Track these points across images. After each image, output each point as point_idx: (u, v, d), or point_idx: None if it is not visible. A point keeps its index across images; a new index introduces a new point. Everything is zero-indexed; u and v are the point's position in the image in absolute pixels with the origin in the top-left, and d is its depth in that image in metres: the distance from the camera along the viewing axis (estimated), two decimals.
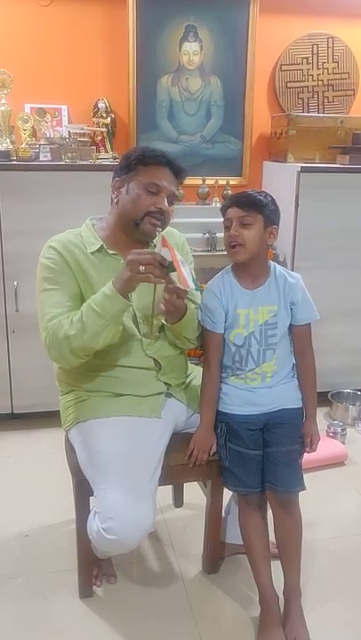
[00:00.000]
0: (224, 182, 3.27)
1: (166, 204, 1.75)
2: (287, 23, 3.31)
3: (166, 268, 1.57)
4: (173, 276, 1.63)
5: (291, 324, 1.84)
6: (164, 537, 2.20)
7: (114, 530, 1.55)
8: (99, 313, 1.63)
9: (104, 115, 3.14)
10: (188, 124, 3.33)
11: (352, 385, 3.28)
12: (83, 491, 1.78)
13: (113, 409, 1.79)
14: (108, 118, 3.14)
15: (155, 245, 1.83)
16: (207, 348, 1.85)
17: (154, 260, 1.56)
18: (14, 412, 2.97)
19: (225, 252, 3.09)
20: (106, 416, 1.78)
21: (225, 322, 1.82)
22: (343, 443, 2.89)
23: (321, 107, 3.41)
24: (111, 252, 1.80)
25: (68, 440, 1.89)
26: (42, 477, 2.54)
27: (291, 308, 1.82)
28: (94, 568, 1.95)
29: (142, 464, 1.68)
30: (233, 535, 2.01)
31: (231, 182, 3.31)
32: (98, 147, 3.11)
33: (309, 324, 1.85)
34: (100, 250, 1.79)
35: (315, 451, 1.87)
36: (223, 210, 1.80)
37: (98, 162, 2.89)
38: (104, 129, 3.09)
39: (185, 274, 1.60)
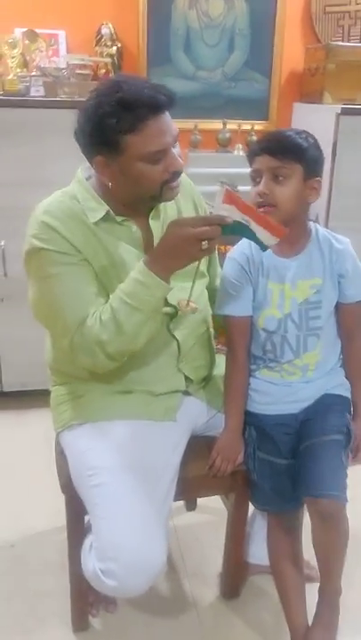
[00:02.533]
0: (248, 127, 2.81)
1: (175, 154, 1.32)
2: None
3: (224, 229, 1.21)
4: None
5: (337, 302, 1.44)
6: (175, 550, 1.86)
7: (115, 574, 1.20)
8: (134, 307, 1.27)
9: (109, 43, 2.68)
10: (208, 58, 2.85)
11: None
12: (76, 511, 1.43)
13: (117, 410, 1.42)
14: (114, 48, 2.68)
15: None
16: (231, 334, 1.47)
17: (218, 230, 1.20)
18: (4, 389, 2.63)
19: None
20: (108, 419, 1.41)
21: (253, 300, 1.42)
22: None
23: None
24: (119, 218, 1.38)
25: (58, 444, 1.52)
26: (31, 469, 2.18)
27: (339, 282, 1.42)
28: (90, 594, 1.60)
29: (153, 485, 1.32)
30: (258, 554, 1.67)
31: (256, 127, 2.85)
32: (101, 81, 2.65)
33: None
34: (106, 218, 1.37)
35: (359, 460, 1.50)
36: (250, 157, 1.38)
37: None
38: (108, 60, 2.62)
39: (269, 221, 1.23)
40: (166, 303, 1.37)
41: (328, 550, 1.40)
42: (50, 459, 1.55)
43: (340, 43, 2.79)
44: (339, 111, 2.47)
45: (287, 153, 1.32)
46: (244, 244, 1.44)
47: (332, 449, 1.39)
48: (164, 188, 1.32)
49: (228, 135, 2.76)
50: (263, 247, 1.27)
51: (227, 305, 1.44)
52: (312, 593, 1.45)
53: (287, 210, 1.33)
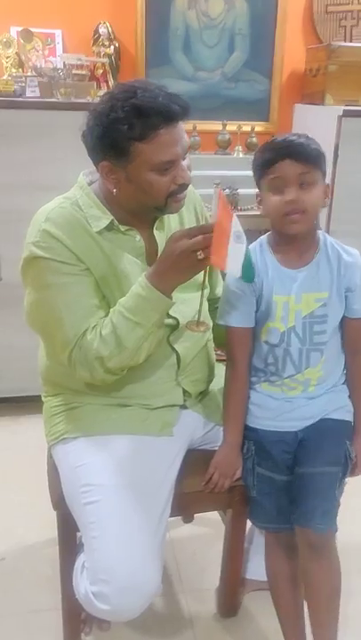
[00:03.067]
0: (248, 128, 2.75)
1: (185, 166, 1.28)
2: None
3: None
4: None
5: (343, 317, 1.39)
6: (171, 564, 1.81)
7: (108, 598, 1.16)
8: (136, 322, 1.23)
9: (106, 43, 2.63)
10: (207, 58, 2.80)
11: None
12: (68, 528, 1.37)
13: (113, 424, 1.37)
14: (111, 47, 2.63)
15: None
16: (232, 345, 1.41)
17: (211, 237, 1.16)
18: None
19: (250, 212, 2.63)
20: (103, 433, 1.36)
21: (256, 312, 1.37)
22: None
23: None
24: (123, 227, 1.34)
25: (51, 457, 1.47)
26: (25, 478, 2.13)
27: (346, 296, 1.36)
28: (83, 611, 1.55)
29: (149, 503, 1.27)
30: (256, 570, 1.62)
31: (257, 128, 2.79)
32: (98, 82, 2.61)
33: None
34: (110, 227, 1.32)
35: (357, 475, 1.44)
36: (268, 163, 1.27)
37: (97, 100, 2.38)
38: (106, 60, 2.57)
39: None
40: (167, 315, 1.33)
41: (317, 583, 1.35)
42: (44, 468, 1.50)
43: (342, 43, 2.74)
44: (341, 113, 2.42)
45: (311, 158, 1.25)
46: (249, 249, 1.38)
47: (326, 482, 1.34)
48: (168, 200, 1.28)
49: (227, 137, 2.71)
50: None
51: (228, 315, 1.39)
52: None
53: (314, 216, 1.29)
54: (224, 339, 1.46)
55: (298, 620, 1.43)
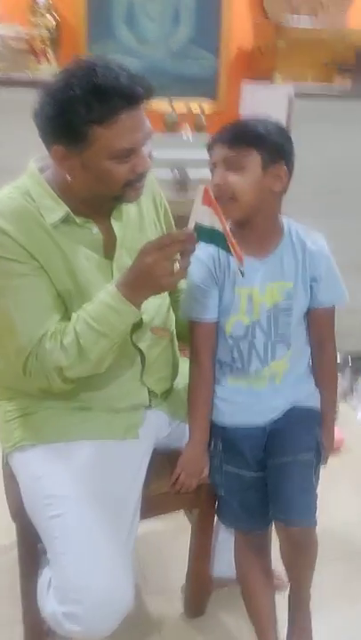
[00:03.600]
0: (197, 108, 2.66)
1: (145, 153, 1.18)
2: None
3: (200, 234, 1.10)
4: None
5: (308, 308, 1.35)
6: (134, 564, 1.74)
7: (80, 618, 1.09)
8: (102, 333, 1.14)
9: (44, 13, 2.45)
10: (152, 32, 2.68)
11: (341, 349, 2.85)
12: (28, 541, 1.29)
13: (74, 430, 1.28)
14: (50, 18, 2.46)
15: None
16: (195, 339, 1.35)
17: (188, 246, 1.11)
18: None
19: None
20: (64, 440, 1.27)
21: (219, 305, 1.31)
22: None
23: (315, 14, 2.80)
24: (79, 219, 1.23)
25: (7, 465, 1.37)
26: None
27: (311, 286, 1.32)
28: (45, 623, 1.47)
29: (117, 513, 1.20)
30: (222, 568, 1.57)
31: (206, 108, 2.71)
32: (38, 57, 2.44)
33: (334, 306, 1.36)
34: (65, 219, 1.21)
35: (325, 463, 1.42)
36: (209, 150, 1.26)
37: (38, 75, 2.24)
38: (46, 32, 2.41)
39: (238, 251, 1.11)
40: None
41: (299, 570, 1.34)
42: None
43: (291, 20, 2.67)
44: (292, 93, 2.36)
45: (241, 141, 1.20)
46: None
47: (303, 470, 1.30)
48: (126, 189, 1.19)
49: (175, 117, 2.61)
50: (239, 265, 1.16)
51: (191, 309, 1.32)
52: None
53: (247, 201, 1.21)
54: (187, 333, 1.39)
55: (271, 617, 1.40)
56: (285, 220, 1.34)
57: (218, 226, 1.10)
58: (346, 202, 2.55)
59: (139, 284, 1.15)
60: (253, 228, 1.27)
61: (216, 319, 1.32)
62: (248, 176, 1.21)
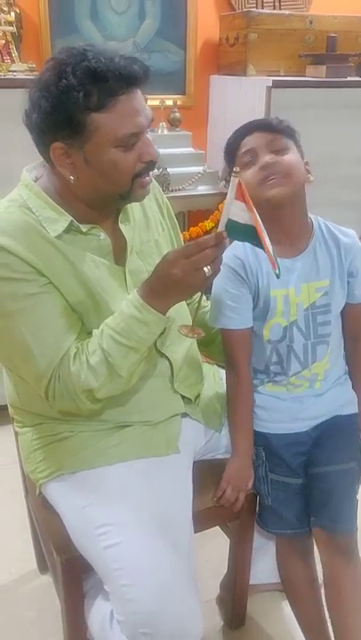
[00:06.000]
0: (171, 103, 2.59)
1: (151, 140, 1.11)
2: None
3: (232, 231, 1.03)
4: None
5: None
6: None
7: None
8: (131, 347, 1.07)
9: (5, 8, 2.32)
10: (117, 26, 2.59)
11: None
12: (76, 574, 1.21)
13: (114, 452, 1.20)
14: (12, 14, 2.33)
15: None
16: (231, 349, 1.30)
17: (220, 251, 1.03)
18: None
19: (181, 193, 2.48)
20: (105, 464, 1.19)
21: (254, 309, 1.26)
22: None
23: (277, 4, 2.77)
24: (84, 227, 1.15)
25: (40, 496, 1.28)
26: None
27: (348, 281, 1.29)
28: None
29: (175, 535, 1.14)
30: (260, 574, 1.54)
31: (179, 102, 2.64)
32: (1, 55, 2.31)
33: None
34: (69, 229, 1.13)
35: None
36: (236, 141, 1.23)
37: (9, 75, 2.11)
38: (10, 28, 2.28)
39: (269, 247, 1.03)
40: None
41: (343, 591, 1.27)
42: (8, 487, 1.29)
43: (263, 10, 2.64)
44: (270, 84, 2.32)
45: (278, 128, 1.22)
46: (236, 245, 1.25)
47: (347, 479, 1.29)
48: (134, 184, 1.11)
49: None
50: (273, 263, 1.10)
51: (224, 317, 1.26)
52: None
53: (298, 179, 1.20)
54: (212, 341, 1.34)
55: (323, 624, 1.37)
56: (314, 218, 1.30)
57: (252, 222, 1.04)
58: (331, 193, 2.54)
59: (167, 293, 1.09)
60: (287, 220, 1.23)
61: (251, 326, 1.27)
62: (293, 156, 1.21)
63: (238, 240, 1.10)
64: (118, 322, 1.10)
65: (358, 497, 1.32)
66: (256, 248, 1.09)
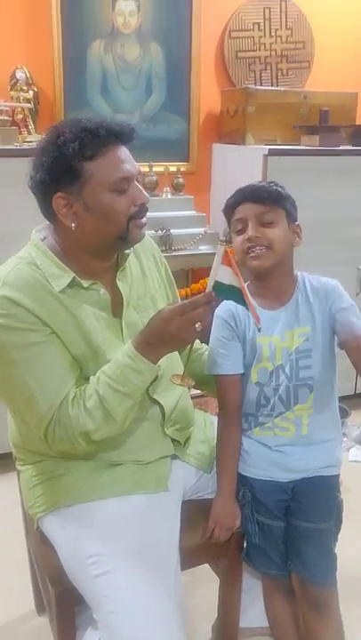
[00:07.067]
0: (175, 169, 2.78)
1: (141, 188, 1.27)
2: None
3: (219, 291, 1.16)
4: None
5: (344, 341, 1.32)
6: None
7: None
8: (125, 394, 1.18)
9: (24, 88, 2.56)
10: (126, 100, 2.81)
11: None
12: (68, 605, 1.28)
13: (107, 487, 1.29)
14: (30, 92, 2.57)
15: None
16: (223, 393, 1.40)
17: (210, 309, 1.17)
18: None
19: (183, 252, 2.63)
20: (97, 498, 1.28)
21: (244, 357, 1.37)
22: None
23: (275, 80, 3.01)
24: (86, 282, 1.28)
25: (37, 529, 1.36)
26: None
27: (336, 322, 1.34)
28: None
29: (162, 566, 1.21)
30: (250, 618, 1.57)
31: (182, 169, 2.83)
32: (19, 127, 2.53)
33: None
34: (72, 284, 1.26)
35: None
36: (230, 208, 1.36)
37: (24, 145, 2.32)
38: (28, 105, 2.51)
39: (253, 304, 1.18)
40: None
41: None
42: (12, 534, 1.37)
43: (259, 87, 2.86)
44: (266, 152, 2.51)
45: (271, 199, 1.32)
46: (229, 301, 1.38)
47: (323, 537, 1.36)
48: (130, 225, 1.25)
49: (155, 178, 2.71)
50: (255, 320, 1.24)
51: (217, 365, 1.38)
52: None
53: (280, 250, 1.31)
54: (210, 381, 1.44)
55: None
56: (300, 275, 1.42)
57: (236, 284, 1.17)
58: (324, 252, 2.68)
59: (160, 346, 1.20)
60: (274, 280, 1.36)
61: (241, 372, 1.38)
62: (280, 228, 1.32)
63: (225, 299, 1.23)
64: (114, 370, 1.21)
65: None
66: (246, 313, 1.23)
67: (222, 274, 1.17)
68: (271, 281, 1.35)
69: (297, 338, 1.36)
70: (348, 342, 1.30)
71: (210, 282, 1.19)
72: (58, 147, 1.17)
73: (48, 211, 1.25)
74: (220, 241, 1.15)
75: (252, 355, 1.36)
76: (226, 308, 1.37)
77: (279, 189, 1.35)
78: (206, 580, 1.58)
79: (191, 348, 1.27)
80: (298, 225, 1.37)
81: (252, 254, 1.30)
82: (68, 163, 1.17)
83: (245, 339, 1.36)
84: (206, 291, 1.19)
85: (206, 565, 1.59)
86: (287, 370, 1.36)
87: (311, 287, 1.39)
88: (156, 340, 1.19)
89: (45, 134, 1.24)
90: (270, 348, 1.35)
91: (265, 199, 1.31)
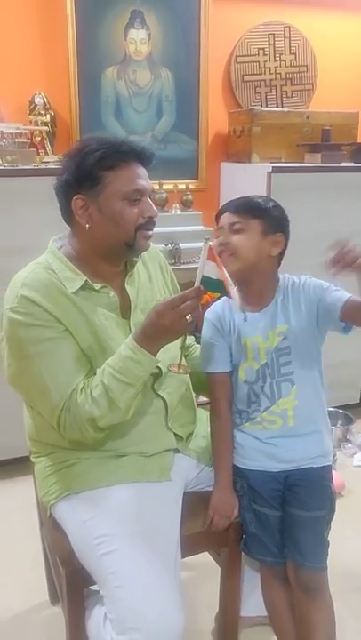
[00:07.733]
0: (184, 186, 2.92)
1: (151, 203, 1.41)
2: (241, 9, 3.03)
3: (207, 285, 1.28)
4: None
5: (341, 315, 1.38)
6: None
7: None
8: (127, 383, 1.30)
9: (42, 112, 2.72)
10: (138, 122, 2.97)
11: (332, 402, 3.03)
12: (78, 585, 1.38)
13: (113, 475, 1.41)
14: (48, 116, 2.73)
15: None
16: (213, 390, 1.52)
17: (198, 301, 1.27)
18: None
19: (191, 265, 2.77)
20: (105, 485, 1.39)
21: (231, 357, 1.49)
22: (334, 469, 2.61)
23: (280, 102, 3.16)
24: (97, 285, 1.42)
25: (50, 517, 1.48)
26: (3, 543, 2.09)
27: (325, 303, 1.41)
28: None
29: (164, 547, 1.32)
30: (249, 606, 1.67)
31: (191, 186, 2.97)
32: (37, 149, 2.69)
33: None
34: (84, 286, 1.40)
35: None
36: (216, 216, 1.49)
37: (42, 165, 2.47)
38: (45, 128, 2.67)
39: (236, 295, 1.28)
40: None
41: (312, 626, 1.43)
42: (23, 530, 1.48)
43: (264, 108, 3.00)
44: (270, 170, 2.64)
45: (244, 210, 1.43)
46: (217, 303, 1.52)
47: (316, 525, 1.45)
48: (137, 234, 1.38)
49: (165, 195, 2.86)
50: (239, 307, 1.37)
51: (207, 364, 1.50)
52: None
53: (245, 257, 1.40)
54: (204, 385, 1.56)
55: None
56: (282, 276, 1.51)
57: (221, 277, 1.30)
58: (323, 259, 2.79)
59: (157, 337, 1.31)
60: (255, 283, 1.46)
61: (230, 370, 1.49)
62: (247, 238, 1.41)
63: (211, 291, 1.35)
64: (117, 362, 1.33)
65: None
66: (230, 303, 1.33)
67: (208, 269, 1.30)
68: (251, 286, 1.45)
69: (276, 337, 1.46)
70: (344, 309, 1.36)
71: (198, 276, 1.30)
72: (83, 154, 1.33)
73: (67, 210, 1.39)
74: (205, 239, 1.28)
75: (239, 354, 1.47)
76: (213, 311, 1.50)
77: (259, 202, 1.45)
78: (210, 576, 1.67)
79: (185, 338, 1.38)
80: (279, 235, 1.45)
81: (222, 257, 1.41)
82: (90, 169, 1.32)
83: (231, 339, 1.48)
84: (195, 285, 1.29)
85: (210, 562, 1.69)
86: (269, 367, 1.46)
87: (292, 284, 1.48)
88: (152, 333, 1.31)
89: (74, 145, 1.40)
90: (254, 348, 1.46)
91: (239, 210, 1.43)
